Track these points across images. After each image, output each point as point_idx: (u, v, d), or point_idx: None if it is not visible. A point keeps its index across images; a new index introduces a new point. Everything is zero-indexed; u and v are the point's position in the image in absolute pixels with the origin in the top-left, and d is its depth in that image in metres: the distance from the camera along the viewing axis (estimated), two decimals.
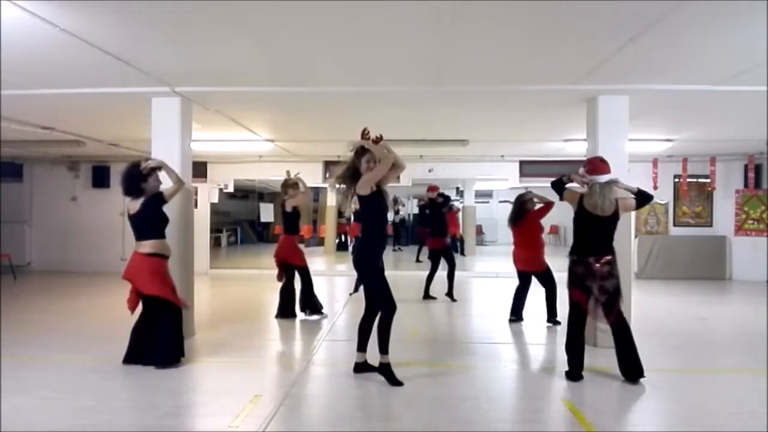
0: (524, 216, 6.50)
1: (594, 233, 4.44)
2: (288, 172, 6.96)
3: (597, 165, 4.49)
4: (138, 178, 4.59)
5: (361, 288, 4.64)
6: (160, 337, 4.60)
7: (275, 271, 6.90)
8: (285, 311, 6.85)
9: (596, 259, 4.33)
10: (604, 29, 3.84)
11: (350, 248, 16.37)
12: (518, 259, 6.61)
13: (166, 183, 4.88)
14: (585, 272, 4.36)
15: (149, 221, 4.60)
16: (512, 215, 6.61)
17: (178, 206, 5.55)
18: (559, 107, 6.24)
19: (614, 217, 4.40)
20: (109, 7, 3.44)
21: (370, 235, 4.37)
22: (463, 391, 4.21)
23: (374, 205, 4.29)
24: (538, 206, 6.55)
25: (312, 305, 6.87)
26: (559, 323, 6.34)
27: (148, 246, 4.58)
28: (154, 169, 4.64)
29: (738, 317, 7.41)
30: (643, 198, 4.51)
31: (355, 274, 5.28)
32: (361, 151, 4.28)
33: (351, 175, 4.30)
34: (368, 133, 4.28)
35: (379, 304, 4.32)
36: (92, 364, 4.78)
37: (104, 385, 4.26)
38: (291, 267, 6.84)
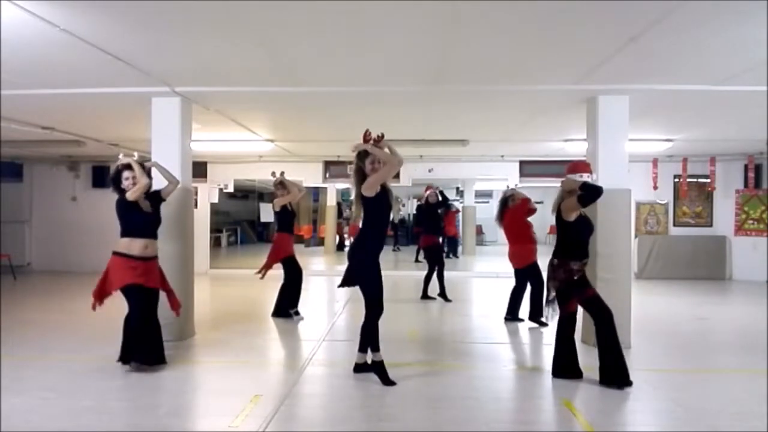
0: (506, 213, 6.68)
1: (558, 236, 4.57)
2: (273, 173, 6.97)
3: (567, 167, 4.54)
4: (115, 178, 4.62)
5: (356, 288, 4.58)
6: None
7: (280, 272, 6.90)
8: (282, 310, 6.86)
9: (551, 260, 4.47)
10: (604, 29, 3.84)
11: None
12: (509, 254, 6.75)
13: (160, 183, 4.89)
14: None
15: (119, 220, 4.60)
16: (497, 214, 6.91)
17: (177, 206, 5.55)
18: (559, 107, 6.24)
19: (559, 220, 4.41)
20: (109, 7, 3.44)
21: (370, 236, 4.35)
22: (463, 391, 4.21)
23: (379, 205, 4.29)
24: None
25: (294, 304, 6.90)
26: (545, 324, 6.32)
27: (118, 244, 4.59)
28: (126, 167, 4.59)
29: (738, 317, 7.41)
30: (588, 191, 4.21)
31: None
32: (364, 153, 4.29)
33: (360, 179, 4.29)
34: (370, 134, 4.30)
35: (369, 304, 4.32)
36: (92, 364, 4.77)
37: (104, 385, 4.25)
38: (292, 261, 6.84)
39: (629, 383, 4.19)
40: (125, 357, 4.62)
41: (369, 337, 4.39)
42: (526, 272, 6.57)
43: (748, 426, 3.56)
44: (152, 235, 4.66)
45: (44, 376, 4.47)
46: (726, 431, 3.51)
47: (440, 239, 8.75)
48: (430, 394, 4.13)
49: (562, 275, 4.32)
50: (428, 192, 8.44)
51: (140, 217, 4.59)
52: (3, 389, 4.04)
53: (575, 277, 4.30)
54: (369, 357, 4.48)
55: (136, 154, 4.77)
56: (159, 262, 4.78)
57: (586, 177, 4.32)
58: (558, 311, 4.46)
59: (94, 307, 4.54)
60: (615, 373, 4.20)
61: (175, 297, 4.87)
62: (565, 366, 4.44)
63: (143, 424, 3.57)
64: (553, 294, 4.43)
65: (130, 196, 4.47)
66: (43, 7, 3.41)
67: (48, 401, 3.90)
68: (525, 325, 6.48)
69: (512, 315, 6.67)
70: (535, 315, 6.47)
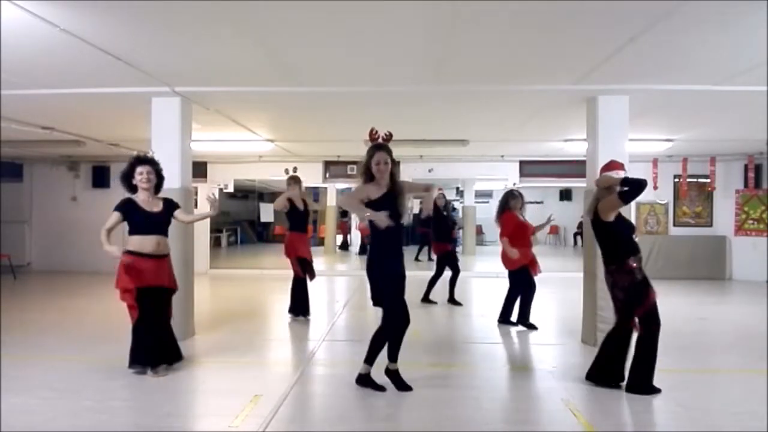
0: (504, 212, 6.39)
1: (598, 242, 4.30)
2: (286, 170, 6.92)
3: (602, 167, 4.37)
4: (126, 173, 4.48)
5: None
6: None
7: (284, 271, 6.87)
8: (299, 308, 6.78)
9: (605, 269, 4.22)
10: (604, 29, 3.84)
11: (349, 247, 16.35)
12: (501, 256, 6.47)
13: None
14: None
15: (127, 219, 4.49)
16: (496, 213, 6.59)
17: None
18: (559, 107, 6.24)
19: (597, 223, 4.15)
20: (109, 7, 3.44)
21: (380, 242, 4.05)
22: (463, 391, 4.22)
23: (382, 209, 3.92)
24: (521, 215, 6.38)
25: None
26: (534, 327, 6.22)
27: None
28: (139, 162, 4.47)
29: (738, 317, 7.41)
30: (631, 186, 3.97)
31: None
32: (371, 151, 4.00)
33: (365, 172, 4.02)
34: (377, 132, 4.06)
35: (391, 314, 4.04)
36: (92, 363, 4.77)
37: (104, 385, 4.25)
38: (304, 261, 6.73)
39: (655, 390, 4.03)
40: (135, 361, 4.49)
41: (392, 347, 4.13)
42: (512, 275, 6.39)
43: (748, 426, 3.56)
44: (162, 232, 4.51)
45: (44, 376, 4.46)
46: (726, 431, 3.51)
47: (451, 245, 8.17)
48: (431, 394, 4.12)
49: (625, 279, 4.01)
50: (436, 194, 8.09)
51: (144, 216, 4.43)
52: (3, 389, 4.04)
53: (639, 277, 3.99)
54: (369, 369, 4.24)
55: (151, 152, 4.70)
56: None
57: (622, 174, 4.10)
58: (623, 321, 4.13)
59: (131, 309, 4.42)
60: (642, 383, 4.04)
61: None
62: (607, 374, 4.22)
63: (143, 424, 3.58)
64: (620, 303, 4.10)
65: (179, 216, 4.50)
66: (43, 7, 3.41)
67: (48, 401, 3.89)
68: (520, 328, 6.40)
69: (504, 318, 6.52)
70: (504, 317, 6.41)
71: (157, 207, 4.52)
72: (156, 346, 4.48)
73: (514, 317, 6.51)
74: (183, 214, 4.71)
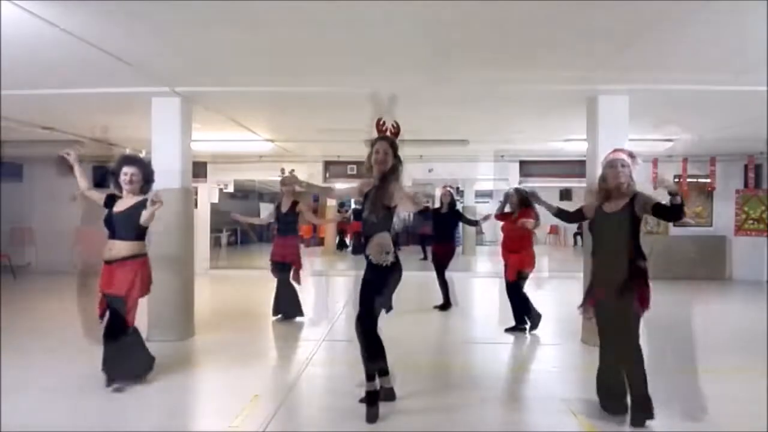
0: (503, 214, 6.25)
1: None
2: (283, 169, 6.89)
3: None
4: (114, 172, 4.34)
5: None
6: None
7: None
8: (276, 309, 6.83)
9: None
10: (604, 29, 3.84)
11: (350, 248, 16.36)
12: None
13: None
14: None
15: None
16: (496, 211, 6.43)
17: (177, 206, 5.55)
18: (559, 107, 6.24)
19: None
20: (110, 7, 3.44)
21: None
22: (463, 391, 4.21)
23: (365, 204, 3.85)
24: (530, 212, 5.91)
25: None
26: (514, 329, 6.13)
27: None
28: (127, 162, 4.32)
29: (738, 317, 7.41)
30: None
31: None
32: (374, 141, 3.86)
33: (369, 164, 3.89)
34: (384, 123, 3.85)
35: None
36: (92, 363, 4.75)
37: (103, 385, 4.25)
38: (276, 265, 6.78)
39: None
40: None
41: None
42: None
43: (748, 426, 3.56)
44: (116, 235, 4.22)
45: (44, 376, 4.47)
46: (726, 431, 3.50)
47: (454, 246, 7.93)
48: (430, 394, 4.12)
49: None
50: (442, 191, 7.71)
51: (108, 216, 4.28)
52: (3, 389, 4.04)
53: (591, 279, 3.84)
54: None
55: (144, 151, 4.67)
56: (141, 265, 4.29)
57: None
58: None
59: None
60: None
61: (131, 314, 4.29)
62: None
63: (143, 424, 3.58)
64: None
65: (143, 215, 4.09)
66: (43, 7, 3.41)
67: (48, 401, 3.90)
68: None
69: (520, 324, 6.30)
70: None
71: (121, 208, 4.25)
72: (109, 357, 4.25)
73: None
74: (144, 215, 4.14)
